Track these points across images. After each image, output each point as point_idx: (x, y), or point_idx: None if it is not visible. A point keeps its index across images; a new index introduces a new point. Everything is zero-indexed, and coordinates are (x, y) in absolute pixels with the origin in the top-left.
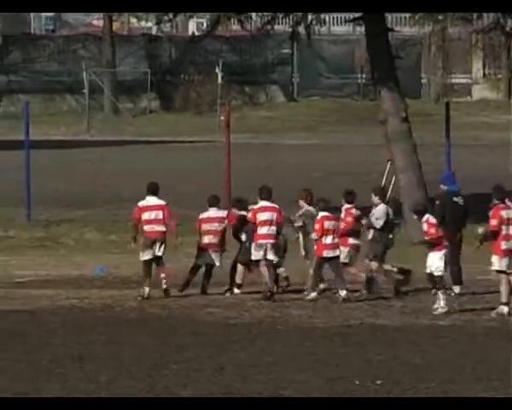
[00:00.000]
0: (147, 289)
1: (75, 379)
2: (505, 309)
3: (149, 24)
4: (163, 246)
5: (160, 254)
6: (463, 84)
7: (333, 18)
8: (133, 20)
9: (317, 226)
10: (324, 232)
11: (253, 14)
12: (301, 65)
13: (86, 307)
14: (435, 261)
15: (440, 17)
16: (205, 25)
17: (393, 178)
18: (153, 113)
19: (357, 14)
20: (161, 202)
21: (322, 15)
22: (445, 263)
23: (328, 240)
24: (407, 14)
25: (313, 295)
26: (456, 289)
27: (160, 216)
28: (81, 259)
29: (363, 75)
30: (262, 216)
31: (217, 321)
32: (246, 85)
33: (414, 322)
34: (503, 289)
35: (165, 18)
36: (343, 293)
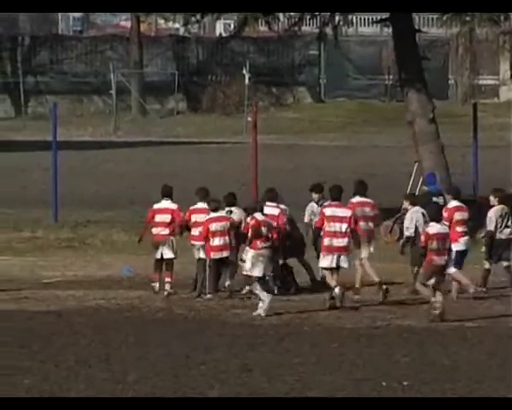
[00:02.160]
0: (156, 285)
1: (102, 380)
2: (337, 290)
3: (177, 25)
4: (168, 248)
5: (167, 256)
6: (491, 86)
7: (360, 19)
8: (161, 21)
9: (200, 229)
10: (211, 234)
11: (281, 16)
12: (328, 66)
13: (113, 308)
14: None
15: (468, 18)
16: (232, 26)
17: (421, 179)
18: (180, 114)
19: (385, 15)
20: (172, 206)
21: (350, 16)
22: (253, 264)
23: (216, 242)
24: (434, 15)
25: (209, 296)
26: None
27: (168, 220)
28: (108, 260)
29: (391, 76)
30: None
31: (244, 322)
32: (273, 86)
33: (441, 323)
34: (329, 279)
35: (193, 19)
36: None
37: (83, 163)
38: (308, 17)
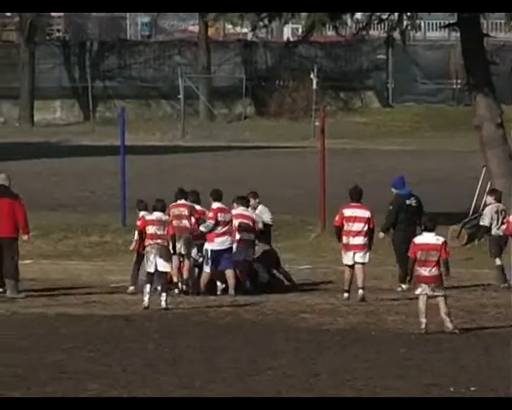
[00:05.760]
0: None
1: (169, 384)
2: (346, 295)
3: (245, 30)
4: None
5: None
6: None
7: (428, 23)
8: (228, 25)
9: (138, 223)
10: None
11: (348, 20)
12: (396, 71)
13: (181, 312)
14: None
15: None
16: (300, 31)
17: (488, 184)
18: (248, 118)
19: (453, 20)
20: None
21: (418, 21)
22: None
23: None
24: (502, 20)
25: (131, 288)
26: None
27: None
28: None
29: (459, 81)
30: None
31: (311, 327)
32: (340, 91)
33: (508, 328)
34: (346, 278)
35: (261, 24)
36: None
37: (151, 168)
38: (376, 22)
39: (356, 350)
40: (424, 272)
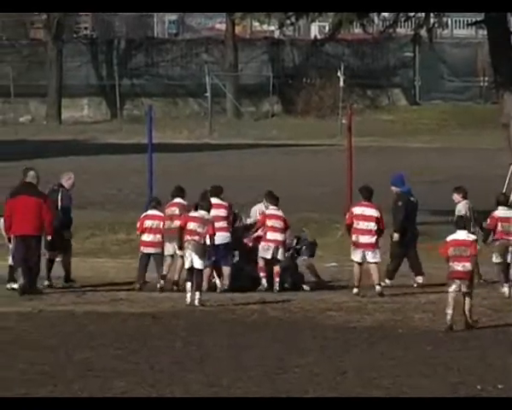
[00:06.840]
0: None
1: (196, 382)
2: (355, 290)
3: (272, 27)
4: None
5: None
6: None
7: (455, 21)
8: (255, 23)
9: (138, 224)
10: (144, 230)
11: (375, 18)
12: (423, 68)
13: (208, 310)
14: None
15: None
16: (327, 28)
17: None
18: (275, 116)
19: (480, 17)
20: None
21: (445, 18)
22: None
23: (147, 237)
24: None
25: (137, 286)
26: (420, 279)
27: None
28: None
29: (486, 78)
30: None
31: (338, 325)
32: (367, 89)
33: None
34: (355, 273)
35: (288, 21)
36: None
37: (178, 166)
38: (403, 19)
39: (382, 348)
40: (457, 266)
